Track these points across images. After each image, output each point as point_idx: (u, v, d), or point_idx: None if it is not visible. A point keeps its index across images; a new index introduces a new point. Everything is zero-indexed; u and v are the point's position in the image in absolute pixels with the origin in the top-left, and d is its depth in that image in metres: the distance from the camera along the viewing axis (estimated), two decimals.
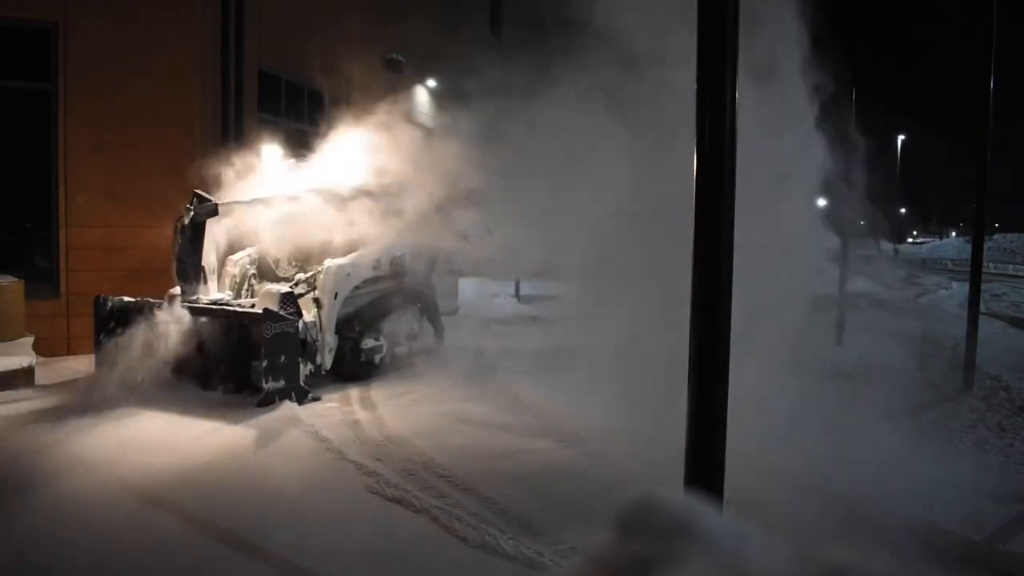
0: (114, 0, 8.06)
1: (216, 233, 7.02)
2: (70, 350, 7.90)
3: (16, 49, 7.88)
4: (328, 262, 7.07)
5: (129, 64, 8.04)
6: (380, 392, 6.69)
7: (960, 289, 16.94)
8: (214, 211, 6.57)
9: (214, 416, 5.53)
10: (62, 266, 8.04)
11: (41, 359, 7.06)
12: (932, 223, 67.34)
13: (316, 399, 6.28)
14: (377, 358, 7.41)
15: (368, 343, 7.27)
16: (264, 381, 5.89)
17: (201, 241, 6.64)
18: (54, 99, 7.92)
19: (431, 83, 11.54)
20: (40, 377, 6.63)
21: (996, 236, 39.17)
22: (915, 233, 68.69)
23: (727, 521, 2.50)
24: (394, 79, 9.89)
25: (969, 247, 8.56)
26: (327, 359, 6.88)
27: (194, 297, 6.56)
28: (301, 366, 6.32)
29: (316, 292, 6.98)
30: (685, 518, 2.33)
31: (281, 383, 5.98)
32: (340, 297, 7.09)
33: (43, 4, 7.85)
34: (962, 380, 7.62)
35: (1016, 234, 40.73)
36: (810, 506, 3.97)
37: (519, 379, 6.93)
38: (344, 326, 7.13)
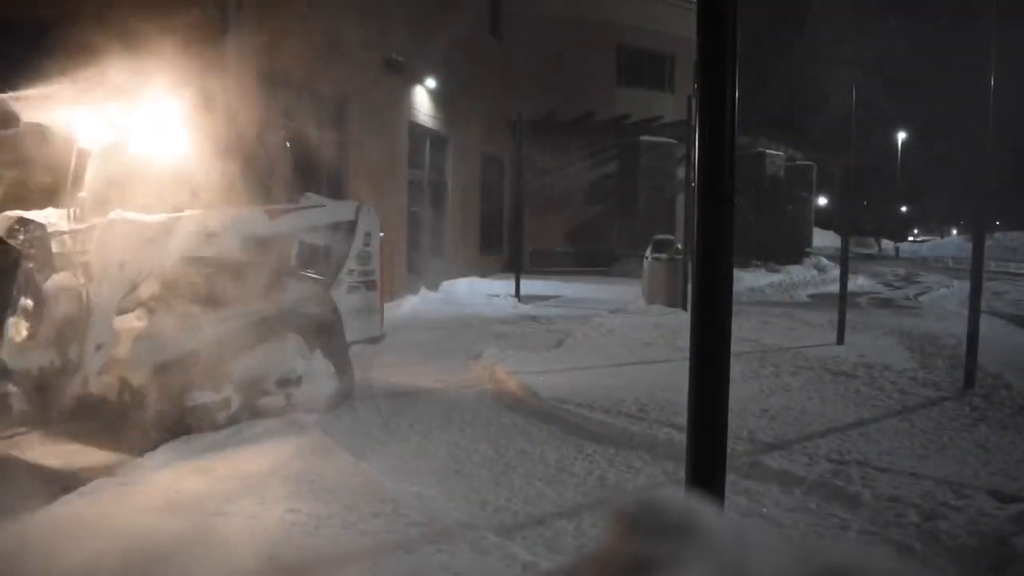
0: None
1: None
2: None
3: None
4: (116, 213, 4.66)
5: None
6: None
7: (961, 287, 16.91)
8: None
9: None
10: None
11: None
12: (933, 221, 67.29)
13: None
14: (221, 416, 4.91)
15: (203, 394, 4.80)
16: None
17: None
18: None
19: None
20: None
21: (997, 234, 39.13)
22: (915, 231, 68.58)
23: (727, 521, 2.45)
24: None
25: (970, 245, 8.53)
26: (94, 362, 4.43)
27: None
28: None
29: (88, 250, 4.54)
30: (685, 517, 2.30)
31: None
32: (130, 272, 4.60)
33: None
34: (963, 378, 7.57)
35: (1018, 232, 40.66)
36: None
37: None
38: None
